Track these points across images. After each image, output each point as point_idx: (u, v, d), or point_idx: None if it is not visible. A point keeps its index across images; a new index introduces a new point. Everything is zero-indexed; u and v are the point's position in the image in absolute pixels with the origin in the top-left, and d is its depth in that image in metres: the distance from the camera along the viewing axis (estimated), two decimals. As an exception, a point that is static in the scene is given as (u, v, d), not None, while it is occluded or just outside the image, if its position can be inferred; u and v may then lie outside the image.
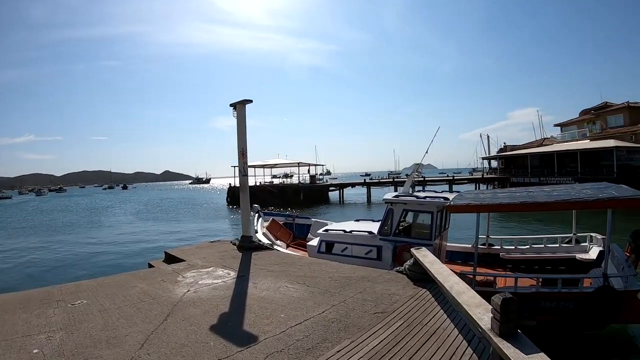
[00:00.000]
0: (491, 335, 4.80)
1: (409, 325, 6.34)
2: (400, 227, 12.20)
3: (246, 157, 12.79)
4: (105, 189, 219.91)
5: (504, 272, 12.29)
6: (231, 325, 6.39)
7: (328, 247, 12.93)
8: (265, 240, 13.64)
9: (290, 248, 15.30)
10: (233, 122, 12.63)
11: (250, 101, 12.52)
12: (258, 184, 66.26)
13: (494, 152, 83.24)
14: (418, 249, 9.07)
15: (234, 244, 13.01)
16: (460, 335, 6.01)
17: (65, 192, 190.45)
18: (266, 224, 16.01)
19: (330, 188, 67.77)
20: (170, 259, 12.18)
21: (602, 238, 11.77)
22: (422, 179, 60.18)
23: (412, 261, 8.87)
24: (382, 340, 5.78)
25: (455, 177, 68.52)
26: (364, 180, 72.67)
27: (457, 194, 12.49)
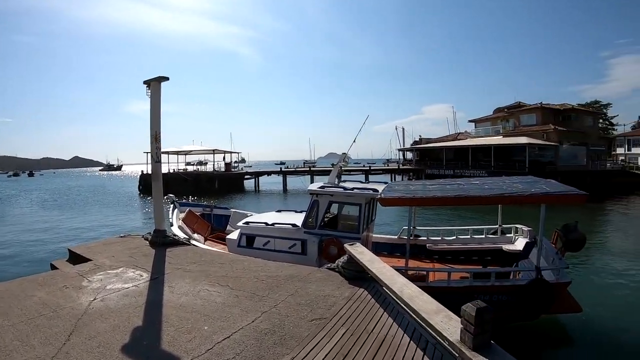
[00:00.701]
0: (463, 349, 4.16)
1: (353, 334, 5.63)
2: (326, 220, 11.65)
3: (160, 142, 11.48)
4: (10, 176, 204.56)
5: (436, 266, 11.94)
6: (147, 345, 5.37)
7: (249, 240, 12.07)
8: (181, 234, 12.53)
9: (209, 242, 14.31)
10: (148, 106, 11.37)
11: (167, 78, 11.24)
12: (171, 171, 63.53)
13: (408, 144, 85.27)
14: (352, 244, 8.36)
15: (146, 239, 11.72)
16: (412, 342, 5.37)
17: None
18: (182, 215, 14.83)
19: (246, 176, 66.41)
20: (75, 258, 10.74)
21: (529, 230, 11.98)
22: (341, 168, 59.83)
23: (346, 258, 8.15)
24: (327, 354, 5.02)
25: (371, 168, 68.96)
26: (280, 168, 71.77)
27: (386, 185, 12.05)
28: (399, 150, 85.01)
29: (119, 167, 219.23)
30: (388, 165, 78.14)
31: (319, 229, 11.38)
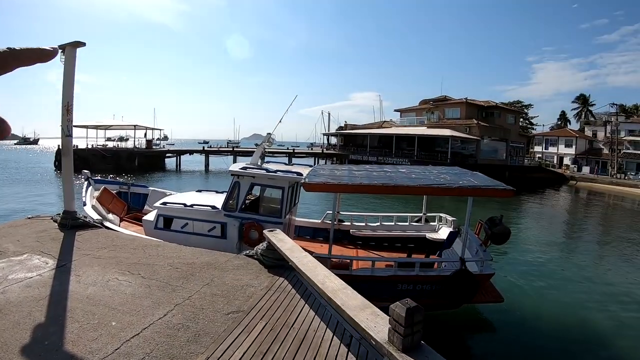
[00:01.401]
0: (391, 351, 4.05)
1: (273, 329, 5.48)
2: (247, 202, 11.41)
3: (72, 114, 10.65)
4: None
5: (360, 253, 12.04)
6: (48, 344, 4.94)
7: (166, 222, 11.58)
8: (94, 215, 11.84)
9: (124, 222, 13.68)
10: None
11: (83, 44, 10.35)
12: (90, 146, 60.65)
13: (333, 130, 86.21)
14: (272, 231, 8.17)
15: (56, 221, 10.92)
16: (335, 337, 5.31)
17: None
18: (96, 193, 14.00)
19: (167, 154, 64.45)
20: (-25, 242, 9.90)
21: (453, 220, 12.24)
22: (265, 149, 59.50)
23: (265, 245, 7.97)
24: (245, 352, 4.83)
25: (295, 151, 68.86)
26: (203, 147, 70.31)
27: (310, 169, 11.92)
28: (324, 134, 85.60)
29: (35, 141, 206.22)
30: (312, 149, 78.35)
31: (240, 212, 11.09)
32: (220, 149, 72.43)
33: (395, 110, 76.22)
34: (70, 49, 10.32)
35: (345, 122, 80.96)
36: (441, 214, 13.02)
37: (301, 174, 10.73)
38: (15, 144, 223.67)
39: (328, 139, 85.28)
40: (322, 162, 64.44)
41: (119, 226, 12.43)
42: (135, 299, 6.21)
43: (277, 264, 7.65)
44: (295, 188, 11.90)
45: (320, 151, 71.21)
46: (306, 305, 6.25)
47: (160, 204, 11.92)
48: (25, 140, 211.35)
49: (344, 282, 5.79)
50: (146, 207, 15.07)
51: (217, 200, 11.85)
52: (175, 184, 42.97)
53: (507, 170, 49.63)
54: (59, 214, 11.09)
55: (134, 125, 61.76)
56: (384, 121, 78.07)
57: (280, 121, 13.60)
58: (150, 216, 12.03)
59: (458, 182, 9.30)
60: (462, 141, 54.97)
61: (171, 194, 14.38)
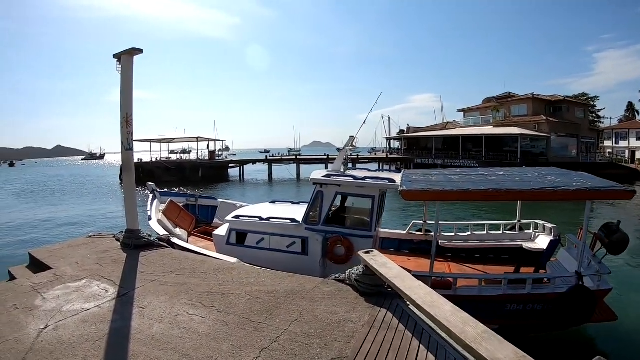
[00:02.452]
0: None
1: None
2: (331, 214, 10.24)
3: (131, 126, 9.69)
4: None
5: (451, 268, 10.61)
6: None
7: (239, 237, 10.60)
8: (160, 230, 10.93)
9: (193, 237, 12.74)
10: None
11: (140, 51, 9.39)
12: (154, 159, 61.81)
13: (394, 133, 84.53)
14: (369, 252, 6.74)
15: (118, 240, 9.99)
16: None
17: None
18: (162, 207, 13.18)
19: (230, 165, 64.99)
20: (35, 264, 9.05)
21: (552, 227, 10.54)
22: (352, 155, 59.13)
23: (361, 270, 6.54)
24: None
25: (358, 156, 67.65)
26: (266, 157, 70.16)
27: (402, 174, 10.39)
28: (387, 139, 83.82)
29: (101, 156, 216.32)
30: (375, 154, 76.81)
31: (324, 225, 9.89)
32: (283, 157, 72.63)
33: (459, 110, 74.27)
34: (126, 57, 9.41)
35: (408, 125, 79.19)
36: (537, 221, 11.38)
37: (393, 181, 9.43)
38: (82, 159, 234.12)
39: (389, 144, 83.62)
40: (386, 167, 63.21)
41: (187, 241, 11.50)
42: (211, 342, 4.98)
43: (375, 291, 6.30)
44: (384, 197, 10.74)
45: (385, 156, 69.47)
46: (422, 346, 4.86)
47: (233, 217, 10.91)
48: (92, 156, 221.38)
49: (483, 325, 4.40)
50: (215, 220, 14.17)
51: (295, 212, 10.74)
52: (239, 194, 42.54)
53: (579, 168, 45.83)
54: (122, 232, 10.17)
55: (197, 138, 62.54)
56: (447, 122, 76.10)
57: (364, 122, 12.51)
58: (222, 230, 11.05)
59: (571, 184, 7.97)
60: (532, 139, 52.22)
61: (242, 206, 13.40)
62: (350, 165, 11.87)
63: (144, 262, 8.40)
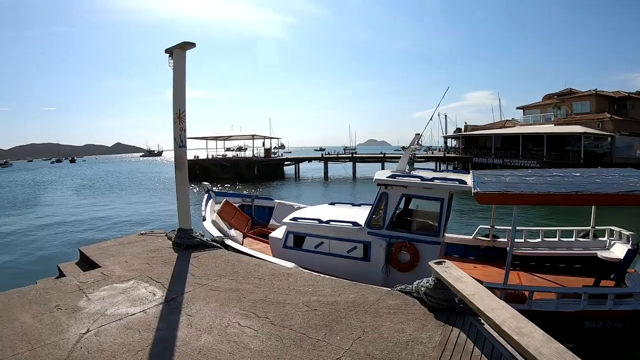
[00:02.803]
0: None
1: None
2: (395, 218, 9.53)
3: (184, 122, 9.32)
4: (52, 162, 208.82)
5: (520, 278, 9.77)
6: None
7: (297, 240, 10.12)
8: (214, 231, 10.56)
9: (248, 239, 12.37)
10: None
11: (193, 45, 9.02)
12: (210, 157, 62.58)
13: (450, 132, 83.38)
14: (441, 263, 6.00)
15: (170, 239, 9.68)
16: None
17: (11, 166, 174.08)
18: (218, 207, 12.84)
19: (286, 162, 65.59)
20: (85, 261, 8.90)
21: (630, 234, 9.55)
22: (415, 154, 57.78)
23: (431, 282, 5.82)
24: None
25: (415, 155, 65.95)
26: (322, 154, 69.83)
27: (472, 175, 9.58)
28: (444, 137, 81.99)
29: (159, 153, 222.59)
30: (432, 153, 75.18)
31: (388, 229, 9.24)
32: (339, 155, 72.14)
33: (518, 108, 71.39)
34: (179, 51, 9.06)
35: (465, 123, 77.23)
36: (613, 227, 10.32)
37: (464, 182, 8.70)
38: (140, 156, 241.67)
39: (445, 142, 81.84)
40: (443, 166, 62.17)
41: (242, 243, 11.11)
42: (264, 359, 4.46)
43: (446, 306, 5.59)
44: (452, 200, 9.97)
45: (442, 155, 67.74)
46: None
47: (291, 219, 10.43)
48: (150, 153, 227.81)
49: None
50: (272, 221, 13.76)
51: (356, 214, 10.16)
52: (295, 192, 42.65)
53: None
54: (174, 231, 9.83)
55: (252, 135, 63.01)
56: (506, 120, 73.73)
57: (431, 119, 11.98)
58: (278, 233, 10.60)
59: None
60: (595, 138, 49.63)
61: (299, 207, 12.95)
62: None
63: (195, 263, 7.98)
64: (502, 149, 57.65)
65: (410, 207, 10.85)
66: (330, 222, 9.79)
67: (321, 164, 63.64)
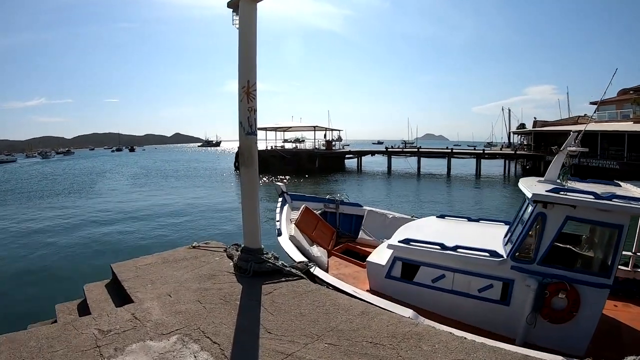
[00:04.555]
0: None
1: None
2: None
3: (255, 100, 6.62)
4: (113, 151, 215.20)
5: None
6: None
7: (407, 270, 7.64)
8: (293, 251, 8.22)
9: (335, 258, 9.85)
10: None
11: (261, -2, 6.38)
12: (270, 148, 60.70)
13: (513, 128, 79.82)
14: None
15: (230, 257, 7.18)
16: None
17: (73, 154, 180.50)
18: (295, 215, 10.46)
19: (348, 155, 62.88)
20: (116, 286, 6.66)
21: None
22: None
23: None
24: None
25: (485, 152, 62.35)
26: (386, 148, 66.68)
27: None
28: (511, 133, 77.88)
29: (217, 143, 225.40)
30: (501, 149, 70.87)
31: (541, 264, 6.63)
32: (404, 149, 68.98)
33: (591, 103, 66.61)
34: (247, 3, 6.41)
35: (535, 118, 72.23)
36: None
37: None
38: (199, 146, 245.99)
39: (509, 138, 77.67)
40: (513, 164, 59.14)
41: (327, 265, 8.85)
42: None
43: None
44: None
45: (513, 152, 63.44)
46: None
47: (400, 241, 7.81)
48: (208, 143, 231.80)
49: None
50: (361, 234, 11.26)
51: (484, 237, 7.73)
52: (356, 186, 40.70)
53: None
54: (236, 245, 7.40)
55: (314, 127, 60.72)
56: (579, 116, 68.69)
57: (600, 101, 8.89)
58: (379, 256, 8.15)
59: None
60: None
61: (393, 217, 10.86)
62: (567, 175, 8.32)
63: (270, 306, 5.35)
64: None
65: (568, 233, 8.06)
66: (458, 250, 7.21)
67: (383, 158, 61.56)
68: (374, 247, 10.09)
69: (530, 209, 6.90)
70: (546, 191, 6.59)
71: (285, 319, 5.00)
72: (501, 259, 6.79)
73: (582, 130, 8.36)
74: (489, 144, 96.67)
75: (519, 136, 72.96)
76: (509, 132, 78.72)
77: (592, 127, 55.60)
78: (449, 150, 58.95)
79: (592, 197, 6.30)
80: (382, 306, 5.97)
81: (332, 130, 67.91)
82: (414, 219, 10.87)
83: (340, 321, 4.97)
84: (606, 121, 57.49)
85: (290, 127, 64.29)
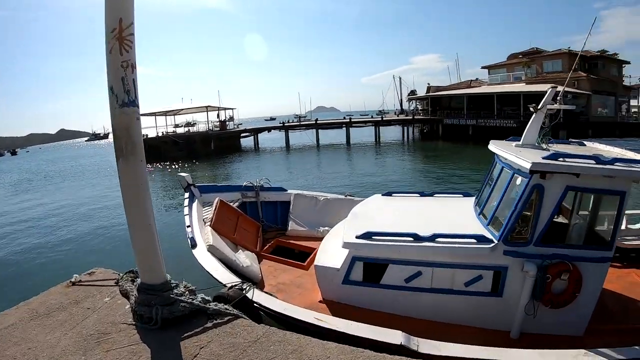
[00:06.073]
0: None
1: None
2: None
3: (131, 49, 3.82)
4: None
5: None
6: None
7: (371, 272, 6.54)
8: (215, 269, 6.41)
9: (266, 260, 8.14)
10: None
11: None
12: (160, 134, 58.65)
13: (405, 95, 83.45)
14: None
15: (125, 296, 4.71)
16: None
17: None
18: (208, 212, 8.46)
19: (243, 134, 62.68)
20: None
21: None
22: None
23: None
24: None
25: (383, 118, 64.01)
26: (283, 123, 66.80)
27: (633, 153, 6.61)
28: (408, 99, 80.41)
29: (105, 136, 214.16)
30: (384, 117, 72.92)
31: (539, 244, 5.96)
32: (301, 123, 69.64)
33: (483, 67, 69.17)
34: None
35: (428, 84, 75.35)
36: None
37: None
38: (86, 140, 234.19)
39: (401, 104, 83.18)
40: (410, 129, 62.34)
41: (261, 274, 7.29)
42: None
43: None
44: None
45: (411, 117, 65.91)
46: None
47: (358, 236, 6.43)
48: (95, 136, 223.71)
49: None
50: (291, 224, 9.59)
51: (462, 216, 7.17)
52: (256, 164, 39.75)
53: (617, 128, 45.17)
54: (133, 273, 5.04)
55: (206, 107, 59.68)
56: (471, 80, 72.26)
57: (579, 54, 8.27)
58: (330, 258, 6.87)
59: None
60: (573, 97, 47.91)
61: (325, 199, 9.70)
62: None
63: None
64: (472, 110, 56.07)
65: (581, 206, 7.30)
66: (437, 240, 6.12)
67: (279, 134, 61.94)
68: (309, 238, 8.79)
69: (521, 181, 6.21)
70: (542, 158, 5.82)
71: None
72: (492, 244, 6.05)
73: (556, 87, 7.58)
74: (381, 112, 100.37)
75: (412, 102, 75.96)
76: (401, 100, 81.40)
77: (487, 89, 58.42)
78: (347, 120, 61.61)
79: (594, 162, 5.74)
80: (363, 335, 4.86)
81: (225, 109, 66.76)
82: (351, 199, 9.58)
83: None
84: (498, 84, 60.75)
85: (182, 110, 62.71)
